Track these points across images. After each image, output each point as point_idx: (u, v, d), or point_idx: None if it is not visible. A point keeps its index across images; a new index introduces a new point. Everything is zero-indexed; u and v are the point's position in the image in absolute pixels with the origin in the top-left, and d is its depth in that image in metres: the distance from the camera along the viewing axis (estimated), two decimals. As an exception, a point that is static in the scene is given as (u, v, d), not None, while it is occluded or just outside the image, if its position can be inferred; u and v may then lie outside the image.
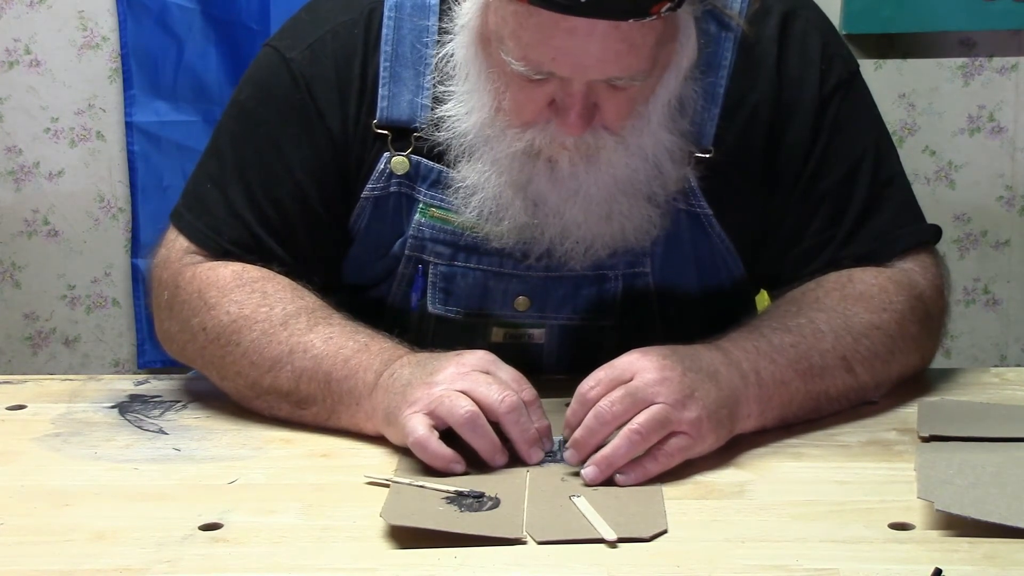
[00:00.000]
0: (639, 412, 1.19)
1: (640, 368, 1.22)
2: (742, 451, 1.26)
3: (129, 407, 1.43)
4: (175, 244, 1.46)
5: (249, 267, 1.42)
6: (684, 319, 1.46)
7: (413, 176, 1.42)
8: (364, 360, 1.30)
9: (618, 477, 1.19)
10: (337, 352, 1.31)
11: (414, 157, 1.41)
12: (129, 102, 3.01)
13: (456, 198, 1.40)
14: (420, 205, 1.43)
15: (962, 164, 3.05)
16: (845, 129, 1.44)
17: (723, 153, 1.41)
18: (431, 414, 1.21)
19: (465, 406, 1.20)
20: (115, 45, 3.01)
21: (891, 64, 3.01)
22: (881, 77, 3.00)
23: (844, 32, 2.95)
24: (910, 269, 1.43)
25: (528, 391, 1.25)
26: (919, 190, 3.02)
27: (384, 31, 1.41)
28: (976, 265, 3.10)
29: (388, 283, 1.48)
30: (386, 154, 1.42)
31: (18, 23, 3.03)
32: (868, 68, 2.99)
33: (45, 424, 1.39)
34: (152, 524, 1.14)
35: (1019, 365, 3.11)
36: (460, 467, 1.20)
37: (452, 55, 1.37)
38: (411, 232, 1.44)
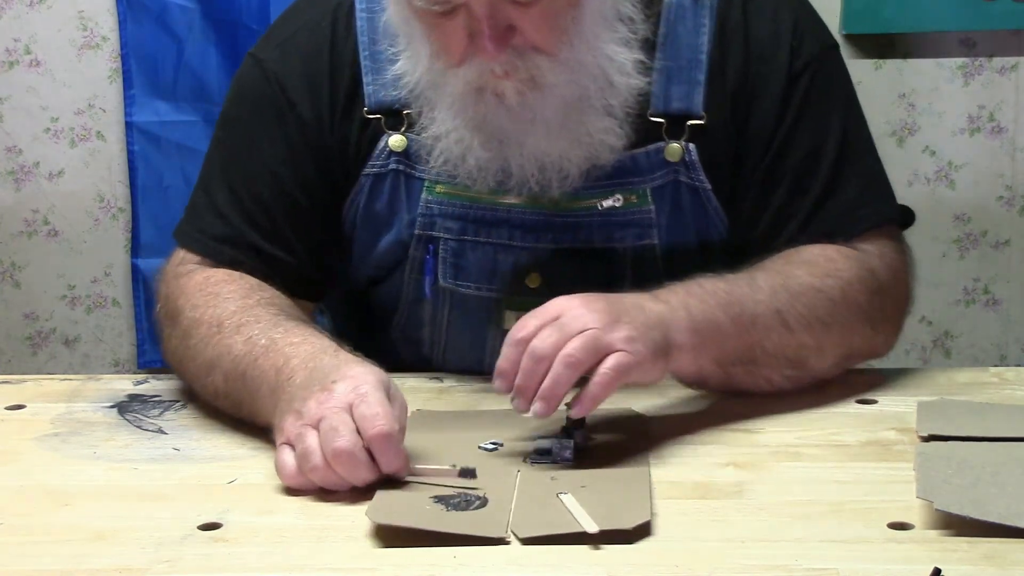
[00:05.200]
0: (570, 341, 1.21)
1: (566, 306, 1.23)
2: (742, 451, 1.26)
3: (128, 407, 1.43)
4: (173, 257, 1.50)
5: (222, 271, 1.44)
6: None
7: (412, 155, 1.44)
8: (270, 360, 1.29)
9: (571, 412, 1.21)
10: (251, 351, 1.31)
11: (410, 135, 1.44)
12: (129, 102, 3.01)
13: (430, 157, 1.42)
14: (425, 183, 1.45)
15: (962, 164, 3.05)
16: (813, 107, 1.44)
17: (714, 122, 1.43)
18: (293, 448, 1.20)
19: (310, 461, 1.17)
20: (115, 45, 3.02)
21: (891, 64, 3.01)
22: (881, 77, 3.00)
23: (844, 32, 2.95)
24: (865, 249, 1.44)
25: (380, 427, 1.15)
26: (919, 190, 3.05)
27: (358, 23, 1.46)
28: (976, 265, 3.10)
29: (401, 272, 1.49)
30: (384, 135, 1.45)
31: (18, 23, 3.03)
32: (868, 68, 3.00)
33: (44, 424, 1.39)
34: (152, 524, 1.14)
35: (1019, 365, 3.11)
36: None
37: (389, 19, 1.41)
38: (420, 211, 1.46)
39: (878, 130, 3.02)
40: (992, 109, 3.02)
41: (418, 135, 1.43)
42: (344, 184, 1.47)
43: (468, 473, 1.18)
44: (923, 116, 3.03)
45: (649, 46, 1.41)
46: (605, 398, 1.22)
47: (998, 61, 3.00)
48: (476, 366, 1.51)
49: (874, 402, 1.39)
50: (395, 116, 1.44)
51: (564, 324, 1.22)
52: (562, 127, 1.37)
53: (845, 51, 2.99)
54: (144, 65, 2.99)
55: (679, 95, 1.43)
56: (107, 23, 3.02)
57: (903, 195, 3.26)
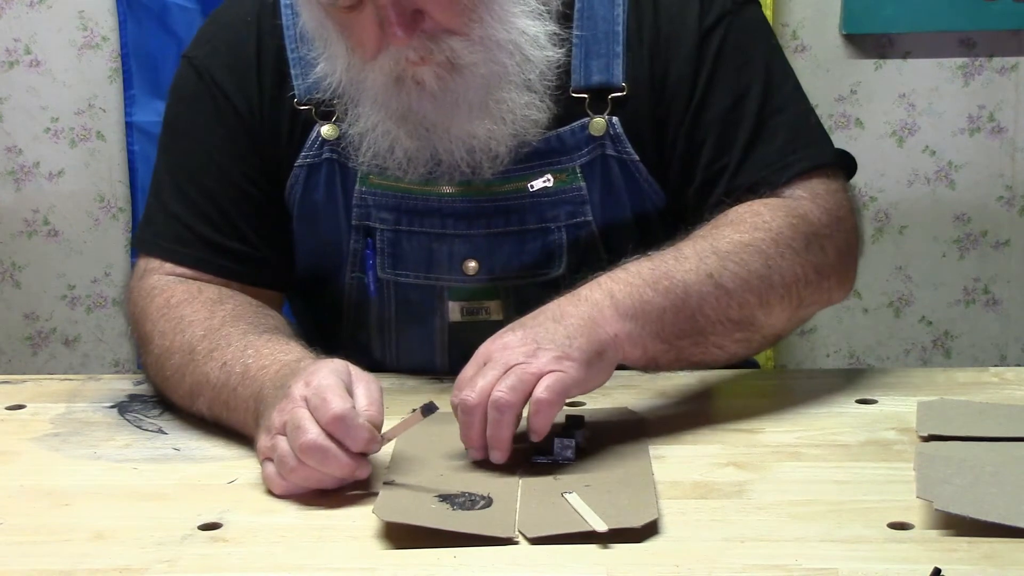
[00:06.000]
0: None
1: (489, 348, 1.23)
2: (742, 451, 1.26)
3: (128, 407, 1.43)
4: (135, 270, 1.51)
5: (181, 289, 1.44)
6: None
7: (345, 144, 1.45)
8: (247, 389, 1.29)
9: (531, 436, 1.20)
10: (228, 381, 1.31)
11: (342, 125, 1.45)
12: (129, 102, 3.01)
13: (359, 153, 1.43)
14: (359, 174, 1.46)
15: (962, 164, 3.05)
16: (729, 61, 1.44)
17: (636, 92, 1.44)
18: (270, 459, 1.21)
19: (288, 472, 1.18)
20: (115, 45, 3.02)
21: (891, 64, 3.01)
22: (881, 77, 3.00)
23: (844, 32, 2.95)
24: (794, 195, 1.42)
25: (331, 411, 1.15)
26: (919, 190, 3.05)
27: (284, 19, 1.47)
28: (976, 265, 3.10)
29: (343, 271, 1.50)
30: (316, 125, 1.46)
31: (18, 23, 3.03)
32: (868, 68, 3.00)
33: (44, 424, 1.39)
34: (152, 524, 1.14)
35: (1019, 365, 3.11)
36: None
37: (303, 24, 1.43)
38: (355, 202, 1.47)
39: (878, 130, 3.03)
40: (992, 109, 3.02)
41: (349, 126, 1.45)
42: (281, 174, 1.49)
43: (429, 408, 1.17)
44: (923, 116, 3.03)
45: (565, 20, 1.42)
46: (550, 420, 1.20)
47: (998, 61, 3.00)
48: (428, 365, 1.52)
49: (874, 402, 1.39)
50: (326, 105, 1.46)
51: (488, 368, 1.21)
52: (484, 107, 1.38)
53: (845, 51, 3.00)
54: (144, 65, 2.99)
55: (598, 68, 1.43)
56: (107, 23, 3.02)
57: (903, 195, 3.27)
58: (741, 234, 1.36)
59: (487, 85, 1.37)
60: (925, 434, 1.27)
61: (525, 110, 1.40)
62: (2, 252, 3.15)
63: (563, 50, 1.41)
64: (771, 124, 1.44)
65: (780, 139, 1.44)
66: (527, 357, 1.21)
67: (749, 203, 1.41)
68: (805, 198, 1.42)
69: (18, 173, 3.10)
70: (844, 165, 1.49)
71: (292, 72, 1.47)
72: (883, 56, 3.00)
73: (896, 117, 3.02)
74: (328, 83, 1.42)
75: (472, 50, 1.35)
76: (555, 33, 1.40)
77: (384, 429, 1.20)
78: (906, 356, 3.12)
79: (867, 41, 2.98)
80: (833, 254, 1.41)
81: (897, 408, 1.37)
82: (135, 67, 2.99)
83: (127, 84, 3.01)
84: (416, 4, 1.31)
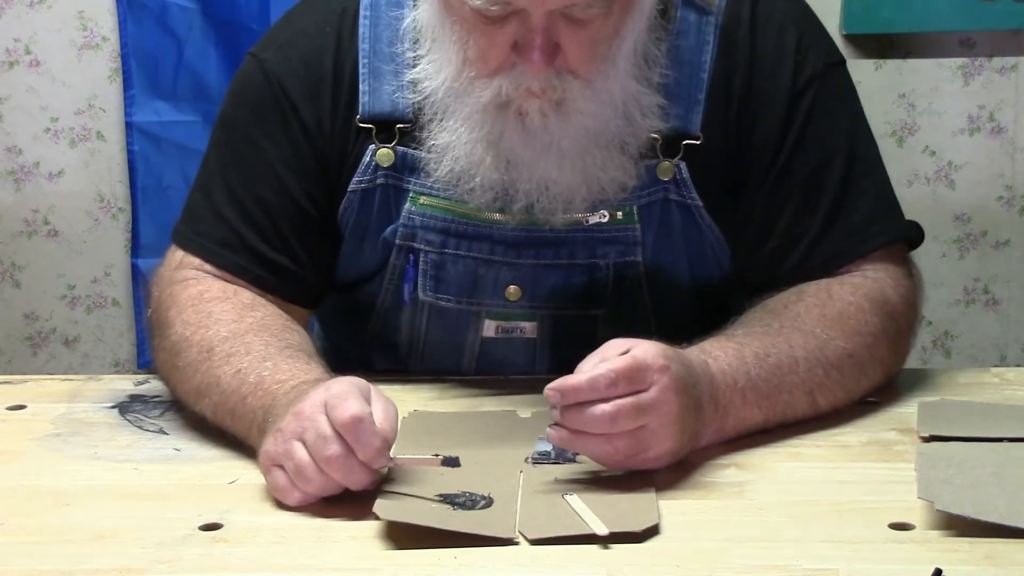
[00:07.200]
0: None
1: (636, 366, 1.18)
2: (742, 451, 1.26)
3: (129, 407, 1.43)
4: (169, 259, 1.47)
5: (217, 286, 1.41)
6: (675, 311, 1.46)
7: (400, 167, 1.43)
8: (258, 399, 1.27)
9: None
10: (239, 388, 1.29)
11: (400, 148, 1.42)
12: (129, 102, 3.01)
13: (435, 167, 1.39)
14: (410, 194, 1.43)
15: (962, 164, 3.05)
16: (817, 123, 1.42)
17: (711, 140, 1.41)
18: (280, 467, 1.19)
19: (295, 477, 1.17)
20: (115, 45, 3.02)
21: (891, 64, 3.01)
22: (881, 77, 3.00)
23: (844, 32, 2.95)
24: (882, 280, 1.41)
25: (349, 412, 1.13)
26: (919, 190, 3.05)
27: (361, 29, 1.43)
28: (976, 265, 3.10)
29: (381, 277, 1.48)
30: (371, 147, 1.42)
31: (18, 23, 3.03)
32: (868, 68, 3.00)
33: (45, 424, 1.39)
34: (152, 524, 1.14)
35: (1019, 365, 3.11)
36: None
37: (417, 19, 1.39)
38: (402, 221, 1.44)
39: (878, 130, 3.01)
40: (992, 109, 3.02)
41: (409, 148, 1.42)
42: (338, 193, 1.45)
43: (451, 461, 1.17)
44: (923, 116, 3.03)
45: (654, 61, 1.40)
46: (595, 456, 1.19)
47: (998, 61, 3.00)
48: (454, 370, 1.51)
49: (874, 402, 1.39)
50: (387, 128, 1.42)
51: (641, 413, 1.16)
52: (576, 158, 1.36)
53: (845, 51, 2.99)
54: (144, 65, 2.99)
55: (677, 113, 1.41)
56: (107, 23, 3.02)
57: (903, 195, 3.26)
58: (846, 339, 1.34)
59: (585, 137, 1.35)
60: (926, 434, 1.27)
61: (615, 171, 1.38)
62: (2, 252, 3.15)
63: (666, 125, 1.39)
64: (854, 192, 1.43)
65: (863, 209, 1.43)
66: (668, 453, 1.19)
67: (850, 290, 1.38)
68: (888, 284, 1.41)
69: (18, 173, 3.10)
70: (916, 238, 1.48)
71: (361, 88, 1.42)
72: (883, 56, 3.00)
73: (896, 117, 3.02)
74: (424, 87, 1.38)
75: (588, 98, 1.33)
76: (660, 106, 1.38)
77: (396, 452, 1.19)
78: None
79: (867, 41, 2.98)
80: (904, 348, 1.43)
81: (897, 408, 1.37)
82: (135, 67, 2.99)
83: (127, 84, 3.01)
84: (560, 37, 1.29)
